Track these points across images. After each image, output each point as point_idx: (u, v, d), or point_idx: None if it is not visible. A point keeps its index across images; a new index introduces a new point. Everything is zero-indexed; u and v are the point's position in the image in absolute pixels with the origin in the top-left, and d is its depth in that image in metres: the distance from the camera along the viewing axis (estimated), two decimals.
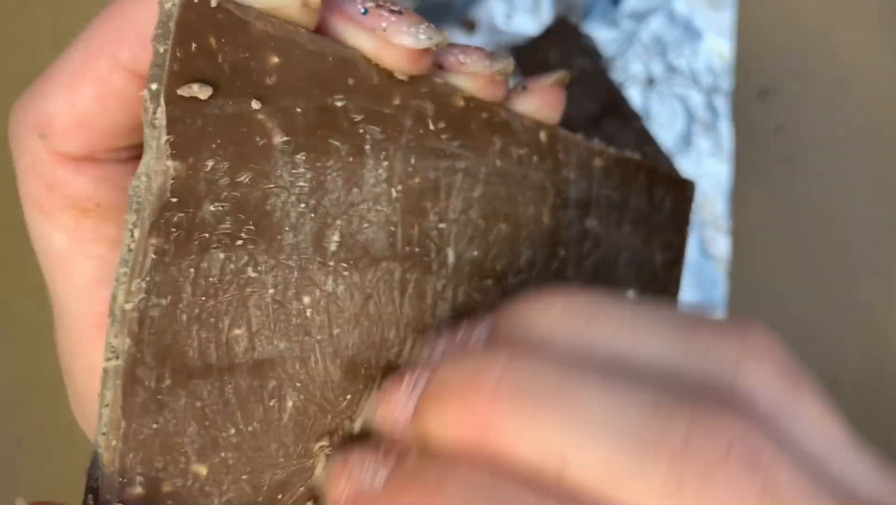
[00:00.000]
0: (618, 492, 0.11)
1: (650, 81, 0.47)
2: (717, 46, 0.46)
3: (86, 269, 0.15)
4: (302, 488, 0.16)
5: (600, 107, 0.44)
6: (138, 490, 0.14)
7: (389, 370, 0.16)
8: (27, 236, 0.16)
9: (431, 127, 0.16)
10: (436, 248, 0.17)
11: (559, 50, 0.46)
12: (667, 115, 0.47)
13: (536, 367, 0.12)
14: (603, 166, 0.20)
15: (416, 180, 0.16)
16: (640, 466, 0.11)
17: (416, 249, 0.16)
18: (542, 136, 0.18)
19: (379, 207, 0.16)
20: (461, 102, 0.17)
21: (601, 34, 0.46)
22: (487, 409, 0.12)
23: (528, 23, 0.46)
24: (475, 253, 0.17)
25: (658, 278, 0.24)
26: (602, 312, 0.14)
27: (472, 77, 0.16)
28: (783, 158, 0.48)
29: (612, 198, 0.21)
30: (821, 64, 0.48)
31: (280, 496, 0.15)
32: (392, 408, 0.15)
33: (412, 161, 0.16)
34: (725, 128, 0.46)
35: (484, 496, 0.12)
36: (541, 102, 0.18)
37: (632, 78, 0.46)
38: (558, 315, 0.14)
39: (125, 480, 0.13)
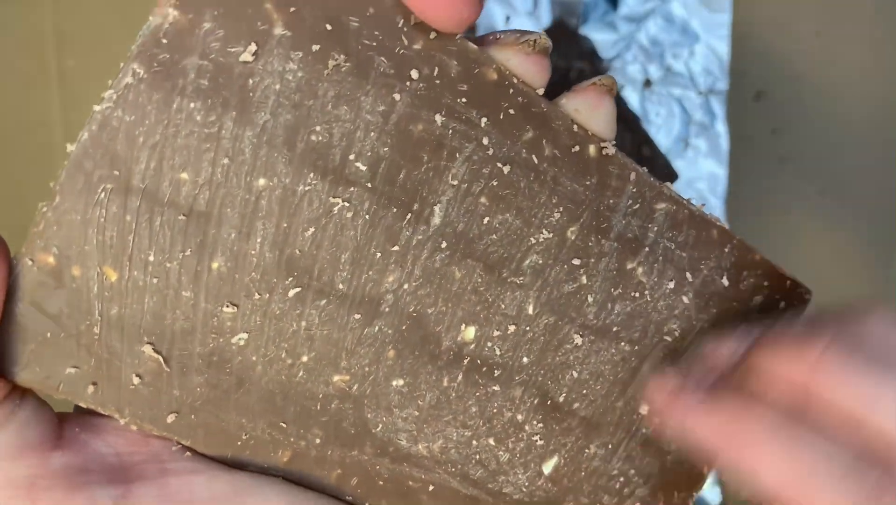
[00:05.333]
0: None
1: (648, 83, 0.47)
2: (713, 49, 0.47)
3: None
4: (199, 337, 0.16)
5: None
6: (51, 259, 0.15)
7: (323, 289, 0.16)
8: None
9: (452, 85, 0.16)
10: (421, 202, 0.16)
11: (558, 53, 0.47)
12: (664, 116, 0.47)
13: (859, 343, 0.15)
14: (670, 214, 0.18)
15: (419, 127, 0.16)
16: None
17: (397, 192, 0.16)
18: (591, 149, 0.17)
19: (367, 134, 0.16)
20: (494, 76, 0.16)
21: (599, 37, 0.47)
22: (817, 358, 0.15)
23: (528, 26, 0.47)
24: (467, 229, 0.17)
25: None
26: None
27: (504, 48, 0.16)
28: (779, 159, 0.49)
29: (676, 255, 0.19)
30: (815, 67, 0.48)
31: (176, 341, 0.16)
32: (721, 348, 0.18)
33: (419, 107, 0.16)
34: (722, 129, 0.47)
35: (792, 416, 0.15)
36: (579, 101, 0.17)
37: (630, 80, 0.47)
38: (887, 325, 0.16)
39: (43, 245, 0.15)
